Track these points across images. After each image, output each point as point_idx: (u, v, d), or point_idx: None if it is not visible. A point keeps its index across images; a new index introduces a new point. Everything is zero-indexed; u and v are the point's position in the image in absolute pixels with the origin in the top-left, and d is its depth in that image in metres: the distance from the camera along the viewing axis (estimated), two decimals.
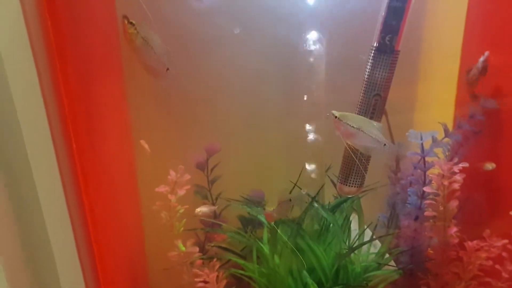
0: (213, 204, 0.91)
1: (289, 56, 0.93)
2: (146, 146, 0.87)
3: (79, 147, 0.61)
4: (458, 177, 0.73)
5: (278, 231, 0.79)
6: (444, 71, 0.99)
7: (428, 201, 0.78)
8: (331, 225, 0.84)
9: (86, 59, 0.70)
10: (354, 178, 0.76)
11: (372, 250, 0.91)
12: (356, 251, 0.86)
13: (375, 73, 0.73)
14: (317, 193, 0.82)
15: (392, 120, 0.87)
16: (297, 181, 0.83)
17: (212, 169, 0.95)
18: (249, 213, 0.91)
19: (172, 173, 0.80)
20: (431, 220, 0.81)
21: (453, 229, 0.79)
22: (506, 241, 0.77)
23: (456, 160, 0.78)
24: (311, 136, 0.89)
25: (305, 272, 0.76)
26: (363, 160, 0.74)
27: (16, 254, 0.57)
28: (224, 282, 0.79)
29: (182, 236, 0.83)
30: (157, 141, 0.92)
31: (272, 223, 0.79)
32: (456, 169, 0.73)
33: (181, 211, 0.80)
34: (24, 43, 0.54)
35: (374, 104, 0.72)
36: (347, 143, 0.70)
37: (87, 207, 0.64)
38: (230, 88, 0.97)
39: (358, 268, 0.84)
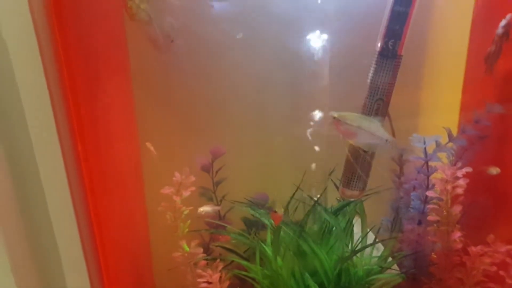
0: (217, 205, 0.92)
1: (294, 60, 0.94)
2: (152, 148, 0.88)
3: (85, 148, 0.63)
4: (462, 182, 0.73)
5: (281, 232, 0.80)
6: (449, 75, 0.99)
7: (431, 206, 0.78)
8: (334, 228, 0.85)
9: (92, 59, 0.71)
10: (356, 182, 0.77)
11: (375, 253, 0.91)
12: (358, 255, 0.87)
13: (378, 78, 0.74)
14: (320, 196, 0.82)
15: (397, 124, 0.87)
16: (300, 184, 0.84)
17: (217, 172, 0.96)
18: (253, 215, 0.92)
19: (177, 174, 0.81)
20: (434, 225, 0.82)
21: (457, 234, 0.79)
22: (510, 246, 0.76)
23: (459, 165, 0.78)
24: (314, 140, 0.90)
25: (307, 275, 0.77)
26: (365, 164, 0.75)
27: (23, 255, 0.59)
28: (227, 283, 0.80)
29: (187, 237, 0.85)
30: (163, 143, 0.93)
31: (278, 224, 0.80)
32: (459, 174, 0.73)
33: (186, 212, 0.81)
34: (33, 44, 0.55)
35: (376, 108, 0.72)
36: (348, 148, 0.71)
37: (92, 208, 0.65)
38: (236, 92, 0.98)
39: (360, 271, 0.84)
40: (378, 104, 0.72)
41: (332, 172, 0.91)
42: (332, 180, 0.89)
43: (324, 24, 0.85)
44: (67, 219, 0.61)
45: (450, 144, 0.84)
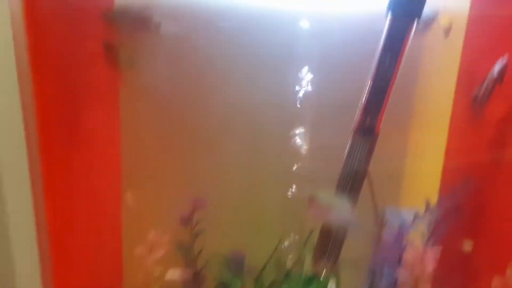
0: (189, 261, 0.91)
1: (283, 108, 0.95)
2: (130, 198, 0.89)
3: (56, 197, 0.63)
4: (430, 264, 0.74)
5: None
6: (435, 122, 1.00)
7: (401, 282, 0.78)
8: None
9: (77, 111, 0.71)
10: (328, 257, 0.77)
11: None
12: None
13: (354, 154, 0.75)
14: (292, 266, 0.82)
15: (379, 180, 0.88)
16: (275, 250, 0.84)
17: (196, 223, 0.97)
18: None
19: (151, 233, 0.82)
20: None
21: None
22: None
23: (431, 240, 0.78)
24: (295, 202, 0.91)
25: None
26: (337, 240, 0.75)
27: None
28: None
29: None
30: (146, 189, 0.94)
31: None
32: (428, 256, 0.73)
33: (156, 274, 0.82)
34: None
35: (351, 185, 0.73)
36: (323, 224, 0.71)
37: (56, 265, 0.65)
38: (223, 143, 1.00)
39: None
40: (353, 178, 0.73)
41: (309, 238, 0.91)
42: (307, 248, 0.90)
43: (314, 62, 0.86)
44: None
45: (427, 216, 0.85)
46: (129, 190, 0.92)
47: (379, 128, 0.76)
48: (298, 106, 0.93)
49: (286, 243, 0.90)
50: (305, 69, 0.92)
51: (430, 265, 0.73)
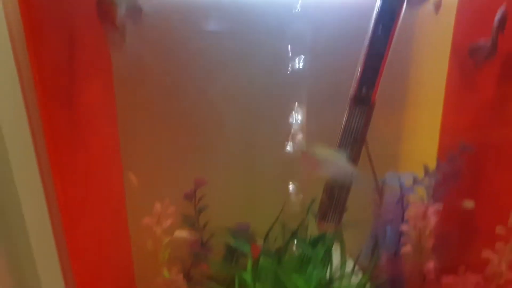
0: (194, 231, 0.92)
1: (279, 88, 0.96)
2: (133, 178, 0.90)
3: (63, 178, 0.64)
4: (432, 219, 0.76)
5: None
6: (430, 99, 1.02)
7: (405, 239, 0.80)
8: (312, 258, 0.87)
9: (72, 85, 0.71)
10: (331, 216, 0.79)
11: (354, 280, 0.93)
12: (337, 281, 0.89)
13: (352, 123, 0.76)
14: (298, 227, 0.84)
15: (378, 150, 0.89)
16: (280, 214, 0.85)
17: (199, 200, 0.98)
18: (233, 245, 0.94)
19: (157, 205, 0.82)
20: (409, 255, 0.84)
21: (430, 265, 0.81)
22: (479, 276, 0.79)
23: (432, 202, 0.80)
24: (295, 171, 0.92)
25: None
26: (340, 199, 0.77)
27: None
28: None
29: (169, 263, 0.86)
30: (147, 170, 0.95)
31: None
32: (430, 212, 0.75)
33: (166, 241, 0.83)
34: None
35: (349, 152, 0.75)
36: (326, 183, 0.73)
37: (69, 237, 0.66)
38: (220, 122, 1.00)
39: None
40: (352, 146, 0.74)
41: (312, 202, 0.92)
42: (311, 212, 0.92)
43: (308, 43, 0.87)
44: (47, 245, 0.62)
45: (426, 180, 0.87)
46: (129, 168, 0.93)
47: (375, 97, 0.76)
48: (294, 79, 0.94)
49: (289, 209, 0.92)
50: (299, 42, 0.92)
51: (432, 220, 0.75)
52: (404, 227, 0.78)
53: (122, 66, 0.90)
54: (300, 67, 0.89)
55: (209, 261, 0.91)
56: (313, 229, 0.92)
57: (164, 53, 0.93)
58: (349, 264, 0.92)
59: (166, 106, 0.98)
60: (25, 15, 0.57)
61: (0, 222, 0.60)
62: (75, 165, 0.72)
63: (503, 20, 0.70)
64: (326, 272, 0.88)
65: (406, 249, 0.81)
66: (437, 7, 0.84)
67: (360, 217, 0.91)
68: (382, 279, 0.92)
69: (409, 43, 0.99)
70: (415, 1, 0.78)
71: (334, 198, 0.76)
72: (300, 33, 0.89)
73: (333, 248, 0.91)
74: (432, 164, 0.89)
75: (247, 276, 0.87)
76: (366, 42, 0.75)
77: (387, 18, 0.74)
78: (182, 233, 0.83)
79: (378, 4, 0.74)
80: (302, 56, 0.89)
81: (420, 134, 1.05)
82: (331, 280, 0.84)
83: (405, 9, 0.74)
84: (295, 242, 0.86)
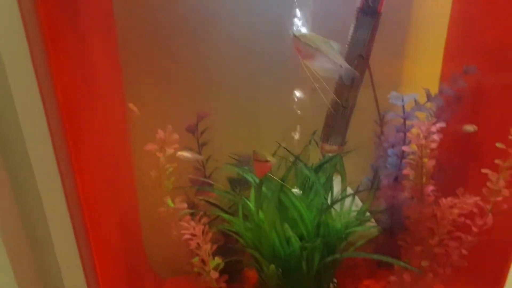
0: (198, 153, 0.93)
1: (279, 22, 0.94)
2: (135, 109, 0.89)
3: (69, 107, 0.63)
4: (436, 137, 0.76)
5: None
6: (431, 39, 1.01)
7: (406, 160, 0.81)
8: (314, 184, 0.88)
9: (77, 22, 0.70)
10: (334, 137, 0.79)
11: (354, 209, 0.95)
12: (338, 209, 0.91)
13: (358, 35, 0.75)
14: (301, 152, 0.85)
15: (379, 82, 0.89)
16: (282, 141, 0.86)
17: (202, 133, 0.98)
18: (237, 174, 0.95)
19: (160, 132, 0.82)
20: (410, 178, 0.85)
21: (430, 188, 0.83)
22: (477, 198, 0.81)
23: (435, 121, 0.81)
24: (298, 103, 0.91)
25: (287, 225, 0.80)
26: (344, 119, 0.77)
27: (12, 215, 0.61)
28: (210, 234, 0.83)
29: (172, 194, 0.87)
30: (150, 105, 0.94)
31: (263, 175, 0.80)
32: (434, 129, 0.76)
33: (170, 169, 0.83)
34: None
35: (356, 64, 0.74)
36: (328, 110, 0.72)
37: (76, 164, 0.66)
38: (222, 55, 0.99)
39: (338, 224, 0.89)
40: (358, 60, 0.73)
41: (314, 133, 0.93)
42: (314, 139, 0.92)
43: None
44: (50, 173, 0.62)
45: (429, 104, 0.87)
46: (132, 102, 0.92)
47: (381, 7, 0.75)
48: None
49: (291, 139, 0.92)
50: None
51: (435, 138, 0.75)
52: (405, 148, 0.79)
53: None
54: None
55: (213, 190, 0.92)
56: (314, 159, 0.93)
57: None
58: (350, 193, 0.94)
59: (168, 37, 0.96)
60: None
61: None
62: (78, 94, 0.71)
63: None
64: (327, 198, 0.89)
65: (407, 171, 0.82)
66: None
67: (361, 148, 0.92)
68: (382, 206, 0.94)
69: None
70: None
71: (338, 118, 0.76)
72: None
73: (334, 177, 0.92)
74: (435, 90, 0.89)
75: (251, 204, 0.89)
76: None
77: None
78: (185, 153, 0.83)
79: None
80: None
81: (423, 58, 1.04)
82: (331, 205, 0.86)
83: None
84: (298, 169, 0.87)
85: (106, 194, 0.82)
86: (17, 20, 0.56)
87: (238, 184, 0.98)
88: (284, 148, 0.86)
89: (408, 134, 0.82)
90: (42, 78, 0.60)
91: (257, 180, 0.86)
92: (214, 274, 0.83)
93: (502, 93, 0.83)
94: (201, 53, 0.97)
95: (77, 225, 0.68)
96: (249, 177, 0.89)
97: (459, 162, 0.92)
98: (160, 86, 1.01)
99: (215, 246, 0.84)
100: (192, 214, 0.84)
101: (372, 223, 0.93)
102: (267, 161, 0.70)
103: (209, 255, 0.82)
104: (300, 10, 0.72)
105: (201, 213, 0.82)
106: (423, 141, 0.76)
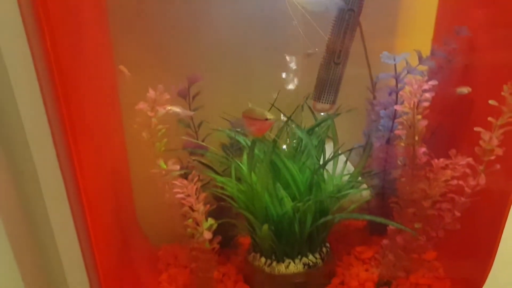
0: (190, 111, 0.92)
1: None
2: (125, 70, 0.88)
3: (61, 71, 0.62)
4: (428, 95, 0.76)
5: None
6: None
7: (398, 120, 0.81)
8: (306, 147, 0.88)
9: None
10: (326, 95, 0.79)
11: (346, 173, 0.95)
12: (330, 173, 0.91)
13: None
14: (293, 113, 0.84)
15: (372, 46, 0.88)
16: (274, 102, 0.85)
17: (194, 97, 0.98)
18: (230, 138, 0.94)
19: (151, 91, 0.81)
20: (402, 139, 0.85)
21: (422, 149, 0.83)
22: (470, 159, 0.81)
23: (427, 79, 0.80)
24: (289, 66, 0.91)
25: (279, 185, 0.80)
26: (335, 77, 0.76)
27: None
28: (204, 195, 0.83)
29: (165, 157, 0.86)
30: (140, 70, 0.93)
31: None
32: (426, 86, 0.75)
33: (163, 130, 0.83)
34: None
35: (348, 19, 0.73)
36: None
37: (70, 131, 0.65)
38: (212, 19, 0.98)
39: (330, 186, 0.89)
40: (349, 14, 0.73)
41: (307, 97, 0.93)
42: (307, 103, 0.92)
43: None
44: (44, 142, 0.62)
45: (420, 66, 0.87)
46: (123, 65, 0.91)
47: None
48: None
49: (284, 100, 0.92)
50: None
51: (427, 96, 0.75)
52: (397, 107, 0.79)
53: None
54: None
55: (205, 152, 0.91)
56: (306, 122, 0.93)
57: None
58: (341, 159, 0.94)
59: (159, 1, 0.95)
60: None
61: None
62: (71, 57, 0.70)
63: None
64: (319, 161, 0.89)
65: (399, 131, 0.82)
66: None
67: (353, 113, 0.92)
68: (374, 169, 0.94)
69: None
70: None
71: (330, 76, 0.75)
72: None
73: (326, 143, 0.92)
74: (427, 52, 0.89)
75: (244, 167, 0.88)
76: None
77: None
78: (175, 108, 0.82)
79: None
80: None
81: (416, 24, 1.03)
82: (324, 165, 0.85)
83: None
84: (290, 130, 0.87)
85: (98, 159, 0.82)
86: None
87: (231, 150, 0.98)
88: (277, 109, 0.85)
89: (400, 93, 0.82)
90: (33, 41, 0.59)
91: (249, 143, 0.86)
92: (208, 235, 0.83)
93: (494, 52, 0.83)
94: (192, 16, 0.96)
95: (71, 192, 0.68)
96: (241, 139, 0.88)
97: (452, 126, 0.92)
98: (150, 51, 1.00)
99: (207, 206, 0.83)
100: (185, 175, 0.84)
101: (364, 187, 0.93)
102: (267, 119, 0.70)
103: (202, 215, 0.82)
104: None
105: (194, 172, 0.81)
106: (415, 99, 0.75)
